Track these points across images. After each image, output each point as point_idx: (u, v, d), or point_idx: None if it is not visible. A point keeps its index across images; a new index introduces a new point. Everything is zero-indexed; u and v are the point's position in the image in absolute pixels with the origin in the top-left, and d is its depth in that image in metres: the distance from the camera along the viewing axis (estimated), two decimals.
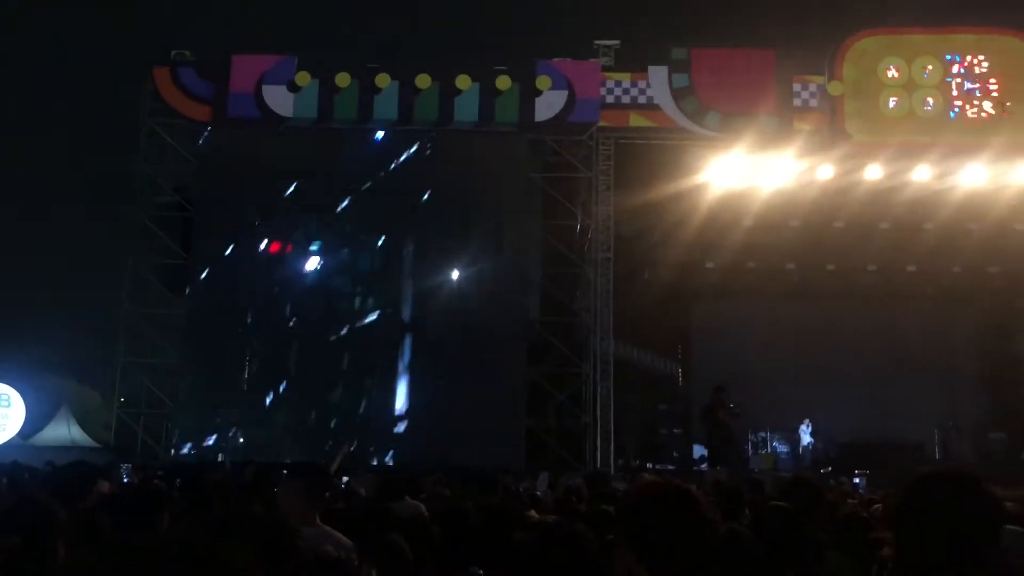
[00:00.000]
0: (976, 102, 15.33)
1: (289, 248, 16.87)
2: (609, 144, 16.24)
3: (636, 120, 16.09)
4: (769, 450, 18.65)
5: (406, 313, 16.62)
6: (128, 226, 16.73)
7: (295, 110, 16.07)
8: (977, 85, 15.37)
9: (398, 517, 4.71)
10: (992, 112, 15.31)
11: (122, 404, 16.58)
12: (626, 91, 16.11)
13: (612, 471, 14.90)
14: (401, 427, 16.14)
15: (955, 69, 15.44)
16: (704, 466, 16.24)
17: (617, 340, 16.62)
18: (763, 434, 19.56)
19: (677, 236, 18.82)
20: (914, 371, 20.02)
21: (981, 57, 15.51)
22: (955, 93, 15.39)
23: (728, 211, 17.53)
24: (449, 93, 15.97)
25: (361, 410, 16.47)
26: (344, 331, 16.52)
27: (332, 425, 16.25)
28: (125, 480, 9.75)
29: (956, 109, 15.36)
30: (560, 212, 16.22)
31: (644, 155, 16.29)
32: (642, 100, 16.03)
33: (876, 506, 6.97)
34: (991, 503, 2.23)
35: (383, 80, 15.93)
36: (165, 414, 16.24)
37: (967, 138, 15.34)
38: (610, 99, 16.09)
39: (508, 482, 10.08)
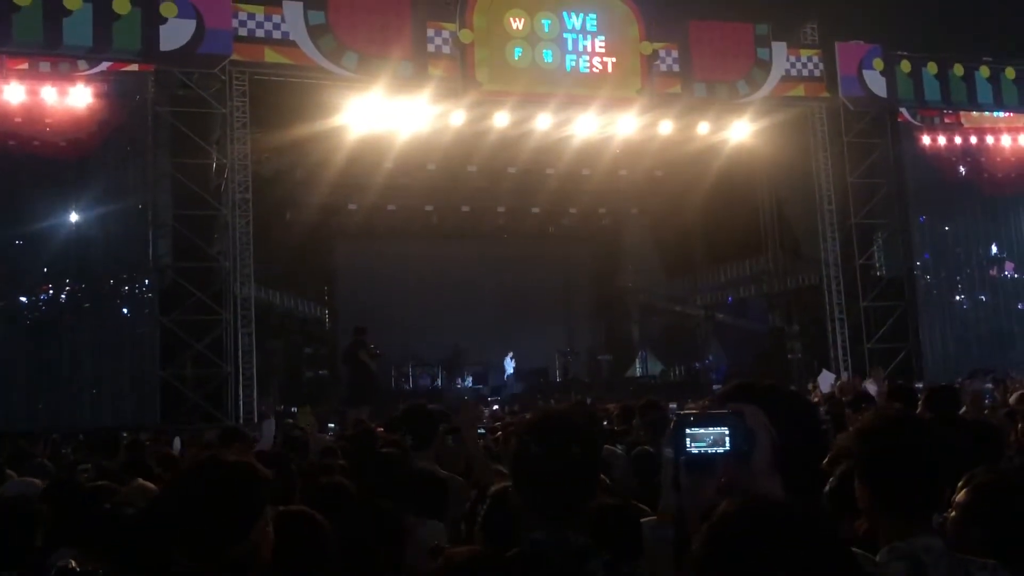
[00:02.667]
0: (587, 57, 16.82)
1: None
2: (243, 79, 15.46)
3: (272, 56, 15.47)
4: (411, 385, 19.47)
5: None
6: None
7: None
8: (588, 42, 16.84)
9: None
10: (599, 67, 16.90)
11: None
12: (260, 24, 15.39)
13: (255, 418, 14.61)
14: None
15: (570, 25, 16.78)
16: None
17: (259, 284, 16.17)
18: (406, 369, 20.38)
19: (318, 176, 18.67)
20: (539, 304, 22.01)
21: (593, 16, 16.98)
22: (570, 48, 16.74)
23: (368, 153, 17.69)
24: (55, 13, 14.15)
25: None
26: None
27: None
28: None
29: (570, 63, 16.73)
30: (193, 150, 15.22)
31: (282, 92, 15.79)
32: (277, 35, 15.44)
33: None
34: (584, 436, 2.43)
35: None
36: None
37: (580, 90, 16.81)
38: (243, 32, 15.28)
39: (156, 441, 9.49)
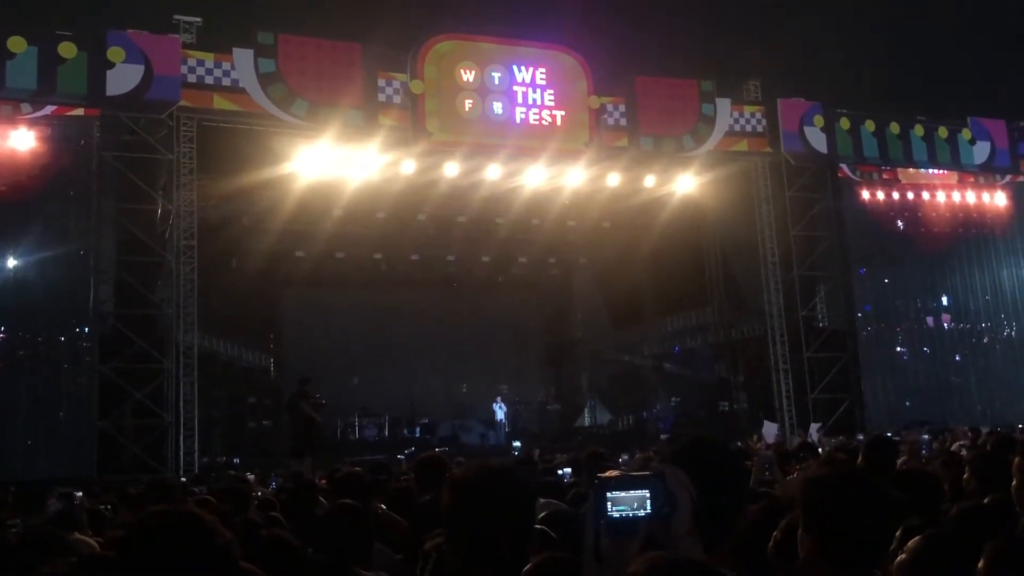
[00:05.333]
0: (536, 110, 17.07)
1: None
2: (191, 125, 15.37)
3: (221, 103, 15.43)
4: (358, 435, 19.18)
5: None
6: None
7: None
8: (537, 95, 17.10)
9: None
10: (548, 120, 17.14)
11: None
12: (209, 71, 15.36)
13: (196, 470, 14.24)
14: None
15: (520, 78, 17.04)
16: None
17: (203, 332, 15.86)
18: (352, 419, 20.07)
19: (266, 224, 18.52)
20: (489, 352, 21.95)
21: (542, 70, 17.28)
22: (519, 100, 16.98)
23: (317, 201, 17.62)
24: None
25: None
26: None
27: None
28: None
29: (520, 115, 16.95)
30: (138, 196, 15.01)
31: (230, 139, 15.69)
32: (227, 82, 15.42)
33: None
34: (521, 491, 2.38)
35: None
36: None
37: (529, 142, 17.02)
38: (192, 78, 15.24)
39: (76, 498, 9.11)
